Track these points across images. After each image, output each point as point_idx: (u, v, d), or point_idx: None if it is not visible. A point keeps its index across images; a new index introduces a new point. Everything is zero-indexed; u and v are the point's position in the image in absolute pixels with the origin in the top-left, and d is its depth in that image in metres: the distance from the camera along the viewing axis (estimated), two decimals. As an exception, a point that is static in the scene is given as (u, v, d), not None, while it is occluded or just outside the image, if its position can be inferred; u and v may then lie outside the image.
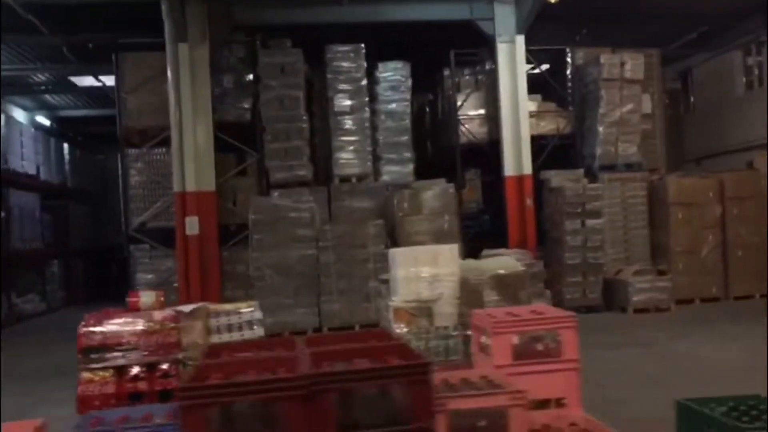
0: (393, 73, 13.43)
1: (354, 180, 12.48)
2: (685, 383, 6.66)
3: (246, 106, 12.48)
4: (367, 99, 12.56)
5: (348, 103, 12.40)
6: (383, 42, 13.40)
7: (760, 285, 12.54)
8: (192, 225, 11.64)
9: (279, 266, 11.01)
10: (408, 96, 13.55)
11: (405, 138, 13.48)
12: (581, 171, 12.58)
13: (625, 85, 12.77)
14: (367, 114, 12.54)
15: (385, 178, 13.34)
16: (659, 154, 13.93)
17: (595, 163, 12.81)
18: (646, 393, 6.49)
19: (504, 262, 5.49)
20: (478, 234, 13.32)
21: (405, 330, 4.89)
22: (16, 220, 16.64)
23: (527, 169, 12.55)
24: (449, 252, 5.37)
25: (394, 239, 11.50)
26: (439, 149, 14.86)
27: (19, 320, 15.96)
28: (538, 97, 13.59)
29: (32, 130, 18.30)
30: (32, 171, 17.50)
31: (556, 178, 12.34)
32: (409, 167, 13.52)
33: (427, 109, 15.72)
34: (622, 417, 5.32)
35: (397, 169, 13.38)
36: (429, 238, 11.33)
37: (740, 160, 15.60)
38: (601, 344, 8.84)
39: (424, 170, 14.67)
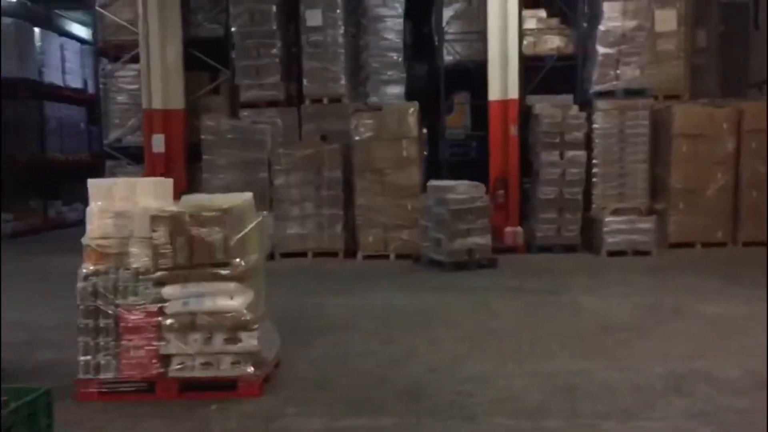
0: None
1: (325, 101, 11.91)
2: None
3: (220, 21, 12.09)
4: (339, 12, 11.79)
5: (319, 17, 11.70)
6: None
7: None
8: (158, 143, 11.65)
9: (229, 189, 10.76)
10: (400, 11, 12.68)
11: (396, 57, 12.71)
12: (570, 97, 11.35)
13: (631, -1, 11.20)
14: (341, 30, 11.79)
15: (373, 99, 12.71)
16: (681, 78, 12.24)
17: (591, 88, 11.47)
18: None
19: (237, 198, 4.91)
20: (465, 162, 12.46)
21: (92, 269, 4.54)
22: (57, 132, 17.38)
23: (513, 93, 11.43)
24: (153, 186, 4.88)
25: (349, 165, 10.97)
26: (431, 70, 13.87)
27: (66, 226, 16.91)
28: (541, 12, 12.24)
29: (78, 44, 18.79)
30: (77, 84, 18.09)
31: (540, 104, 11.18)
32: (400, 89, 12.78)
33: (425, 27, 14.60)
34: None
35: (387, 90, 12.69)
36: (388, 165, 10.72)
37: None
38: (507, 289, 8.07)
39: (419, 92, 13.88)
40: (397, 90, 12.79)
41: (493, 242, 11.03)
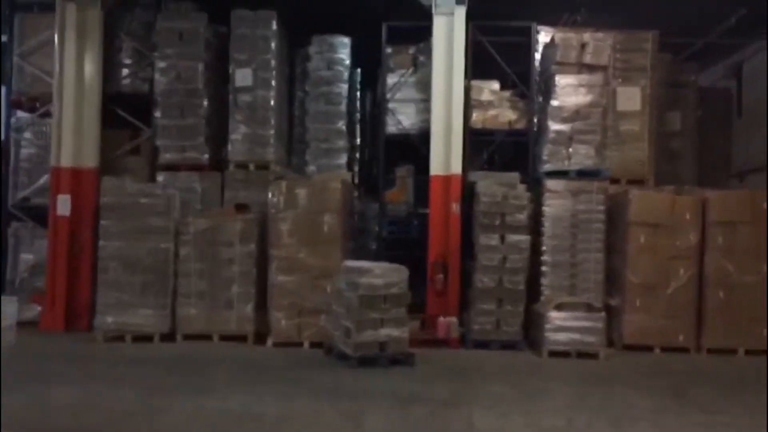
0: (328, 49, 11.73)
1: (251, 167, 10.84)
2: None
3: (145, 76, 11.19)
4: (273, 73, 10.86)
5: (249, 77, 10.76)
6: (321, 13, 11.66)
7: (747, 337, 9.69)
8: (63, 204, 10.55)
9: (126, 258, 9.64)
10: (345, 76, 11.84)
11: (339, 124, 11.81)
12: (516, 175, 10.20)
13: (586, 72, 10.22)
14: (272, 92, 10.83)
15: (311, 168, 11.70)
16: (645, 162, 11.15)
17: (541, 166, 10.37)
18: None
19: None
20: (405, 241, 11.27)
21: None
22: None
23: (456, 168, 10.36)
24: None
25: (264, 239, 9.80)
26: (374, 140, 12.88)
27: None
28: (494, 84, 11.27)
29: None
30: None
31: (483, 181, 10.05)
32: (342, 158, 11.80)
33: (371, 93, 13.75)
34: None
35: (326, 161, 11.71)
36: (302, 241, 9.54)
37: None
38: (400, 397, 6.72)
39: (368, 164, 12.93)
40: (339, 161, 11.81)
41: (426, 333, 9.85)
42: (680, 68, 12.89)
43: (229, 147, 10.81)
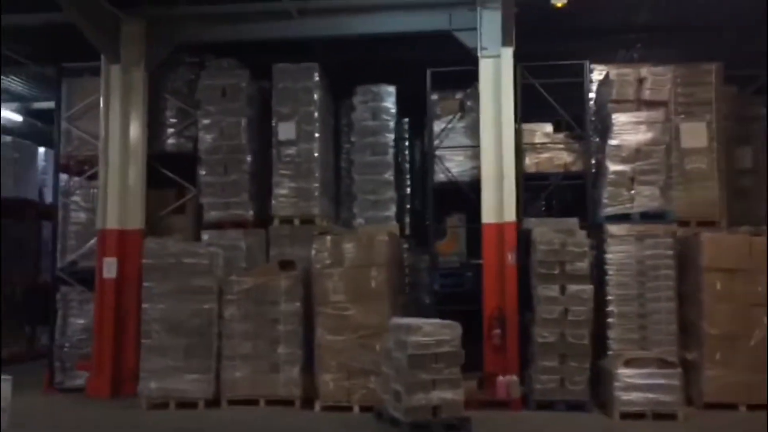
0: (373, 98, 11.45)
1: (296, 222, 10.51)
2: None
3: (189, 135, 11.09)
4: (317, 125, 10.60)
5: (293, 130, 10.51)
6: (364, 61, 11.45)
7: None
8: (110, 267, 10.39)
9: (169, 321, 9.33)
10: (391, 125, 11.51)
11: (386, 174, 11.41)
12: (575, 220, 9.55)
13: (645, 109, 9.60)
14: (316, 144, 10.55)
15: (359, 221, 11.32)
16: (716, 202, 10.36)
17: (601, 210, 9.71)
18: None
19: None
20: (458, 295, 10.64)
21: None
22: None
23: (509, 215, 9.80)
24: None
25: (310, 297, 9.37)
26: (423, 190, 12.40)
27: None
28: (547, 126, 10.74)
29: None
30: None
31: (539, 228, 9.44)
32: (390, 210, 11.38)
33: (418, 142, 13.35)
34: None
35: (374, 213, 11.31)
36: (349, 297, 9.07)
37: None
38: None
39: (418, 215, 12.48)
40: (387, 212, 11.39)
41: (485, 394, 9.17)
42: (748, 101, 12.09)
43: (274, 202, 10.49)
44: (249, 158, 10.66)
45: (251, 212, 10.65)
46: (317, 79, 10.57)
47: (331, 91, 11.60)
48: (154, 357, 9.32)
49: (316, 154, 10.51)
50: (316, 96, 10.53)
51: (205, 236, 10.52)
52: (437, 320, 8.20)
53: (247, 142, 10.66)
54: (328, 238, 9.25)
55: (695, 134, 10.38)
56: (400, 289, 10.15)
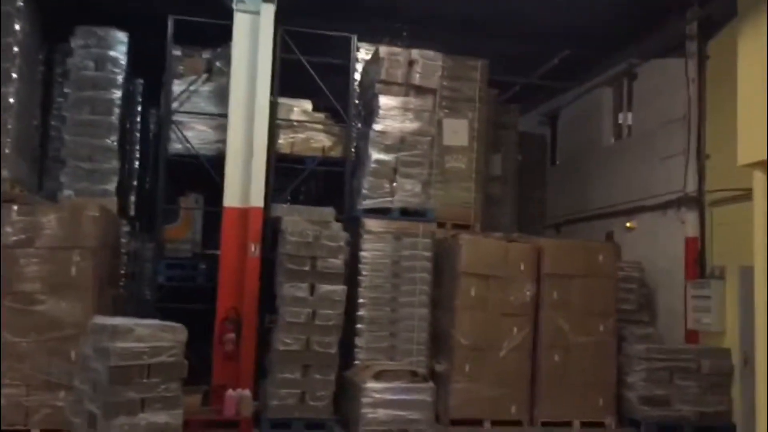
0: (97, 44, 9.23)
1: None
2: None
3: None
4: (17, 62, 8.23)
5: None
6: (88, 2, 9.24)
7: (583, 407, 8.49)
8: None
9: None
10: (119, 80, 9.35)
11: (109, 140, 9.24)
12: (330, 211, 8.39)
13: (413, 95, 8.74)
14: (12, 87, 8.16)
15: (67, 192, 8.99)
16: (472, 206, 9.88)
17: (359, 202, 8.65)
18: None
19: None
20: (190, 290, 8.94)
21: None
22: None
23: (257, 199, 8.35)
24: None
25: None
26: (155, 165, 10.50)
27: None
28: (306, 103, 9.47)
29: None
30: None
31: (290, 217, 8.09)
32: (111, 183, 9.22)
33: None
34: None
35: (88, 185, 9.06)
36: (39, 288, 6.92)
37: (603, 229, 11.81)
38: None
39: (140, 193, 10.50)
40: (105, 186, 9.24)
41: (210, 412, 7.59)
42: (504, 108, 11.99)
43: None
44: None
45: None
46: (20, 3, 8.18)
47: (42, 30, 9.20)
48: None
49: (11, 100, 8.11)
50: (17, 25, 8.13)
51: None
52: (156, 321, 6.43)
53: None
54: (16, 207, 7.01)
55: (457, 131, 9.85)
56: (112, 281, 8.17)
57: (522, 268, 8.56)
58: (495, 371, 8.36)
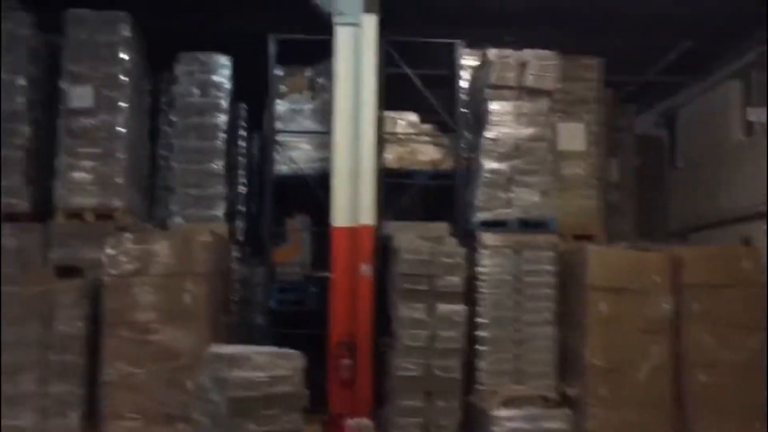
0: (201, 69, 9.19)
1: (89, 217, 8.00)
2: None
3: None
4: (125, 92, 8.22)
5: (89, 96, 8.05)
6: (191, 28, 9.22)
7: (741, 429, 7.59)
8: None
9: None
10: (224, 104, 9.27)
11: (216, 165, 9.14)
12: (443, 225, 7.91)
13: (526, 98, 8.17)
14: (121, 116, 8.15)
15: (178, 220, 8.94)
16: (595, 215, 9.17)
17: (473, 215, 8.13)
18: None
19: None
20: (300, 315, 8.63)
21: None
22: None
23: (366, 218, 7.98)
24: None
25: (99, 316, 6.95)
26: (260, 189, 10.29)
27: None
28: (411, 116, 9.07)
29: None
30: None
31: (401, 233, 7.67)
32: (218, 209, 9.13)
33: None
34: None
35: (196, 211, 8.99)
36: (153, 318, 6.77)
37: (737, 234, 10.76)
38: None
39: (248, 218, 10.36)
40: (213, 211, 9.13)
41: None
42: (618, 110, 11.20)
43: (59, 189, 7.97)
44: (27, 129, 8.04)
45: (27, 201, 8.02)
46: (127, 33, 8.19)
47: (147, 58, 9.24)
48: None
49: (121, 130, 8.10)
50: (124, 55, 8.13)
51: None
52: (273, 348, 6.11)
53: (26, 108, 8.05)
54: (128, 236, 6.90)
55: (574, 136, 9.16)
56: (224, 307, 7.96)
57: (658, 279, 7.78)
58: (634, 394, 7.59)
